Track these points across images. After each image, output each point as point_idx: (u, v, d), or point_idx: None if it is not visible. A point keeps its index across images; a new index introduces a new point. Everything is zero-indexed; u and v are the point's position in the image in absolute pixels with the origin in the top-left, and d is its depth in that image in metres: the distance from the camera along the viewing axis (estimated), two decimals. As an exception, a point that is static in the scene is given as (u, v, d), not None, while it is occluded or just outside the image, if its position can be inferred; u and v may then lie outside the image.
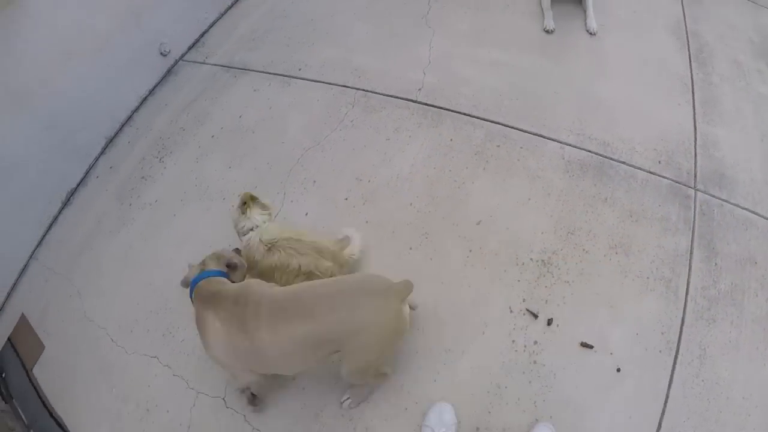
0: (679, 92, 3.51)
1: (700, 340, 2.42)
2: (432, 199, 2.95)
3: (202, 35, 4.43)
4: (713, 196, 2.95)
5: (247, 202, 2.44)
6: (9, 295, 3.17)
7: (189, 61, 4.20)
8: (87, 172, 3.60)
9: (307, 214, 2.98)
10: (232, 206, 2.56)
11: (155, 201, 3.28)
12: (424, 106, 3.47)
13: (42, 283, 3.15)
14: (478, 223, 2.81)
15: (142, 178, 3.43)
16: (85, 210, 3.41)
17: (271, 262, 2.32)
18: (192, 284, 2.10)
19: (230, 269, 2.18)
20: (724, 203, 2.93)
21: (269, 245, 2.33)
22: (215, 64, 4.09)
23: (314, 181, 3.14)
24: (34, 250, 3.30)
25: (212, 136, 3.55)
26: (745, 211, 2.91)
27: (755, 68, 3.79)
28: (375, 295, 1.94)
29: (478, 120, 3.34)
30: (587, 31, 3.97)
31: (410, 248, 2.76)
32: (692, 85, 3.56)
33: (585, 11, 4.08)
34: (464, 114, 3.38)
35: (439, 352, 2.42)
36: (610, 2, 4.25)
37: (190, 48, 4.34)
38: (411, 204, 2.94)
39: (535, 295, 2.54)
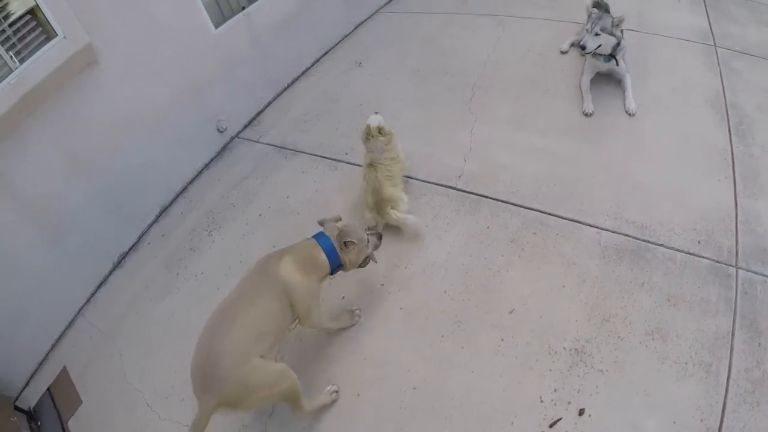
0: (719, 168, 3.61)
1: (743, 426, 2.39)
2: (466, 287, 3.11)
3: (258, 114, 4.95)
4: (756, 273, 2.97)
5: (370, 132, 3.48)
6: (54, 346, 3.46)
7: (244, 139, 4.67)
8: (140, 238, 3.99)
9: (343, 297, 3.20)
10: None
11: (201, 273, 3.59)
12: (463, 193, 3.71)
13: (86, 339, 3.43)
14: (511, 312, 2.94)
15: (191, 249, 3.77)
16: (134, 274, 3.73)
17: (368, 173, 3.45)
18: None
19: (344, 247, 2.64)
20: (767, 279, 2.94)
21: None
22: (268, 144, 4.53)
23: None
24: (82, 307, 3.62)
25: (260, 215, 3.89)
26: None
27: None
28: (213, 374, 2.19)
29: (516, 207, 3.54)
30: (626, 112, 4.18)
31: (442, 336, 2.91)
32: (732, 159, 3.65)
33: (624, 92, 4.30)
34: (502, 201, 3.60)
35: (473, 427, 2.51)
36: (648, 81, 4.47)
37: (245, 126, 4.85)
38: (445, 292, 3.12)
39: (567, 384, 2.61)
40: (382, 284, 3.23)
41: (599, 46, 4.13)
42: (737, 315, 2.79)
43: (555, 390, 2.60)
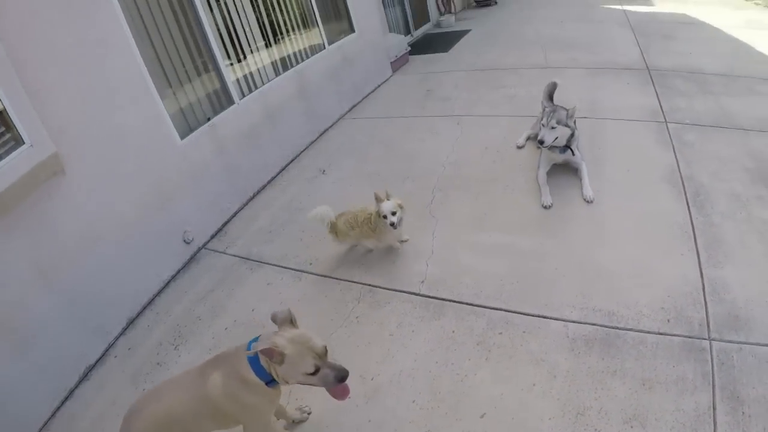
0: (680, 242, 3.78)
1: None
2: (434, 395, 3.11)
3: (225, 224, 5.10)
4: (730, 342, 3.04)
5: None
6: (19, 464, 3.28)
7: (210, 250, 4.79)
8: (106, 351, 3.95)
9: (309, 413, 3.15)
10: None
11: None
12: (427, 298, 3.81)
13: (51, 458, 3.26)
14: (482, 417, 2.93)
15: (157, 363, 3.75)
16: (100, 388, 3.67)
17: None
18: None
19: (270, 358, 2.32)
20: (742, 346, 3.00)
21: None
22: (234, 255, 4.66)
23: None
24: (47, 422, 3.49)
25: (225, 329, 3.92)
26: (766, 348, 2.98)
27: (755, 195, 4.12)
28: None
29: (480, 308, 3.62)
30: (584, 199, 4.42)
31: (413, 448, 2.86)
32: (693, 232, 3.84)
33: (581, 180, 4.57)
34: (466, 303, 3.68)
35: None
36: (604, 165, 4.78)
37: (212, 237, 4.99)
38: (413, 401, 3.11)
39: (545, 488, 2.58)
40: (350, 397, 3.21)
41: (556, 138, 4.46)
42: (716, 388, 2.82)
43: (533, 497, 2.57)
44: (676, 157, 4.70)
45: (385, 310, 3.80)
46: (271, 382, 2.41)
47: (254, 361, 2.38)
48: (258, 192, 5.57)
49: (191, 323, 4.07)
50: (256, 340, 2.44)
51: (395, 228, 3.92)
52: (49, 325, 3.55)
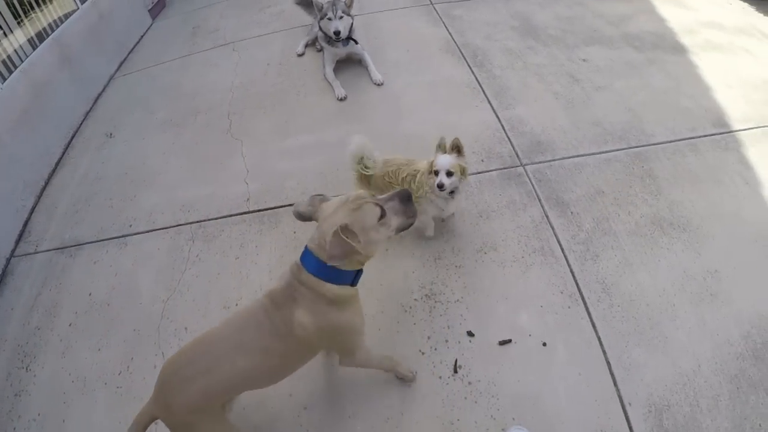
0: (472, 97, 4.16)
1: (596, 277, 2.82)
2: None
3: (26, 224, 4.32)
4: (539, 162, 3.51)
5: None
6: None
7: (20, 256, 4.07)
8: None
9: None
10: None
11: (38, 415, 3.02)
12: (258, 212, 3.69)
13: None
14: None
15: (15, 395, 3.15)
16: None
17: None
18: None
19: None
20: (551, 163, 3.49)
21: None
22: (48, 250, 4.02)
23: (186, 328, 3.12)
24: None
25: (70, 325, 3.42)
26: (570, 159, 3.51)
27: (525, 47, 4.68)
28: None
29: (312, 203, 3.58)
30: (375, 83, 4.56)
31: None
32: (480, 86, 4.24)
33: (367, 68, 4.69)
34: (295, 204, 3.62)
35: (378, 421, 2.47)
36: (385, 52, 4.98)
37: (17, 242, 4.19)
38: None
39: (436, 326, 2.72)
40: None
41: (347, 27, 4.50)
42: (542, 200, 3.25)
43: (429, 337, 2.69)
44: (448, 30, 5.10)
45: (222, 238, 3.60)
46: (356, 276, 2.03)
47: (326, 269, 1.91)
48: (49, 178, 4.77)
49: (31, 337, 3.43)
50: (306, 254, 1.96)
51: (442, 191, 2.69)
52: None
